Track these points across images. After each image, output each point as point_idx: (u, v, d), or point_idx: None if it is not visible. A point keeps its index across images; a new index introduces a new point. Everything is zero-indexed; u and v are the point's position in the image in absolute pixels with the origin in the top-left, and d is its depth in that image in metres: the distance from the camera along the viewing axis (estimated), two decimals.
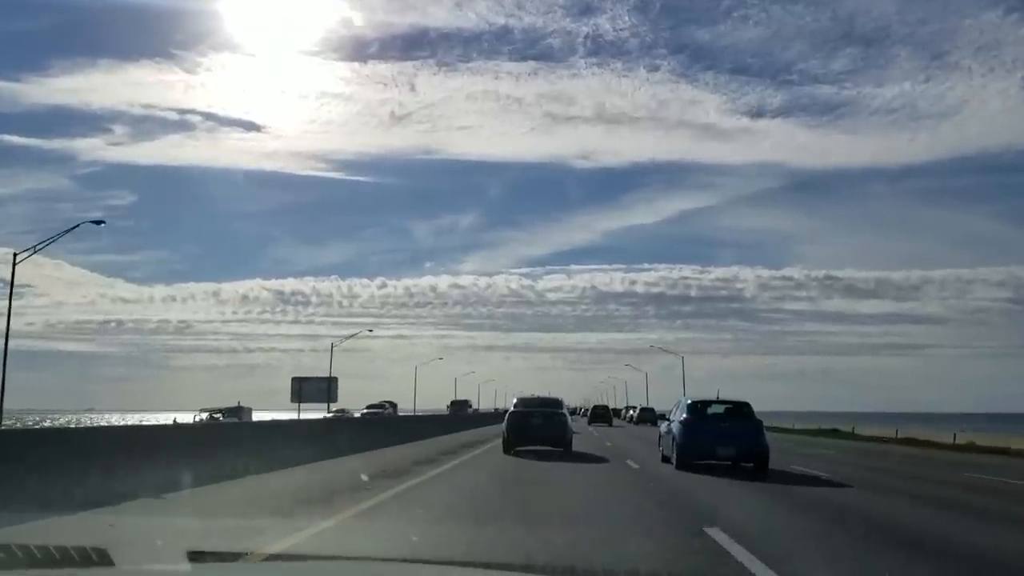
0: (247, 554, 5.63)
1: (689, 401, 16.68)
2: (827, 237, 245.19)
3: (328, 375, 58.30)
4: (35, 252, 30.57)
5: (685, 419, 15.98)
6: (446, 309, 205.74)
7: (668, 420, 17.93)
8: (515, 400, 21.70)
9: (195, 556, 3.86)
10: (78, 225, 31.88)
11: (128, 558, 4.28)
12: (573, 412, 28.52)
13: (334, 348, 58.31)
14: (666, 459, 17.24)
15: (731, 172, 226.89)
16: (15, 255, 29.82)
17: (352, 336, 60.97)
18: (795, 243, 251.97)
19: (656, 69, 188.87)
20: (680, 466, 15.39)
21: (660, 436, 18.53)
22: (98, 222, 33.20)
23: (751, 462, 15.45)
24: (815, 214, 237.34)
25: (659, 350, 66.00)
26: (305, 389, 54.68)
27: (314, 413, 46.46)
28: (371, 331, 59.17)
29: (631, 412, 74.15)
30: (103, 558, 3.38)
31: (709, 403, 17.07)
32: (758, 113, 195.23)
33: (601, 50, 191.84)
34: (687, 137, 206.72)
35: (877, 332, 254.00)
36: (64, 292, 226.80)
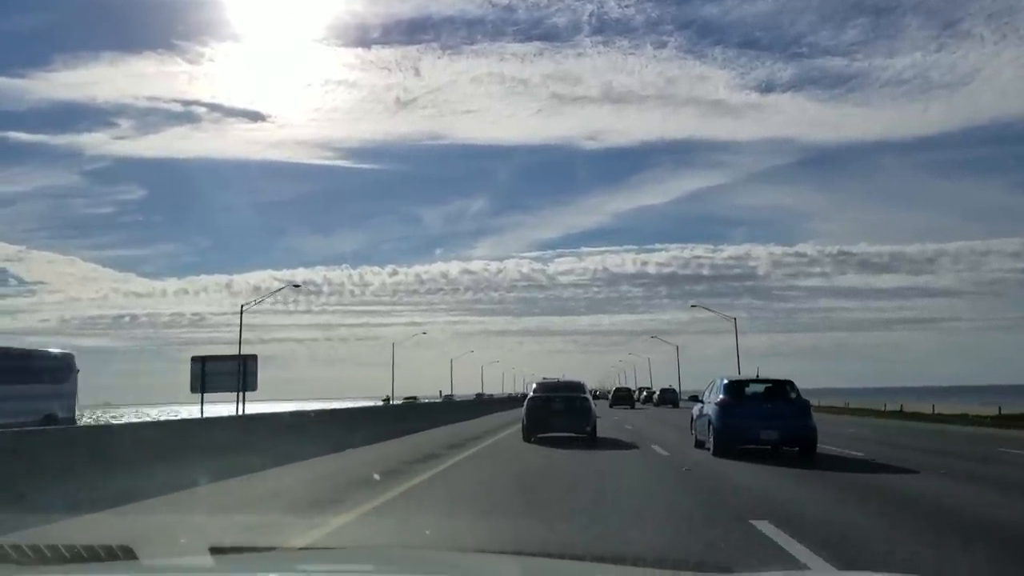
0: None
1: (726, 380, 15.29)
2: (840, 212, 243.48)
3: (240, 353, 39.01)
4: None
5: (722, 400, 14.71)
6: (458, 295, 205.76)
7: (701, 402, 16.62)
8: (534, 384, 20.54)
9: (217, 550, 3.84)
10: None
11: (152, 554, 4.40)
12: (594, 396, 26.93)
13: (244, 312, 44.49)
14: (700, 444, 16.09)
15: (741, 149, 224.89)
16: None
17: (277, 291, 48.24)
18: (808, 219, 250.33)
19: (663, 46, 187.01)
20: (718, 452, 14.23)
21: (693, 419, 17.21)
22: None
23: (797, 446, 14.34)
24: (827, 189, 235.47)
25: (704, 309, 59.58)
26: (210, 373, 35.56)
27: (222, 407, 35.20)
28: (298, 286, 47.19)
29: (645, 394, 72.37)
30: (128, 555, 3.46)
31: (748, 382, 15.71)
32: (768, 88, 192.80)
33: (606, 28, 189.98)
34: (696, 114, 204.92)
35: (892, 307, 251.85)
36: (78, 288, 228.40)
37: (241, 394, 36.49)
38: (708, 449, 15.01)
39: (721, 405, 14.78)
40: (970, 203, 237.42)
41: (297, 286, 48.47)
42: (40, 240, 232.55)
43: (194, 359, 34.48)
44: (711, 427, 14.88)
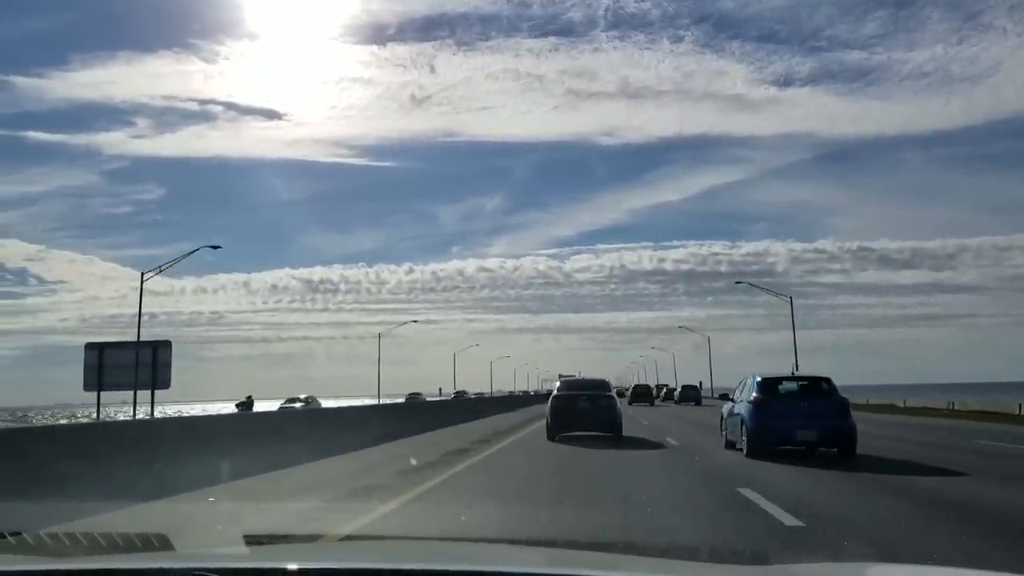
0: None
1: (759, 377, 14.71)
2: (860, 207, 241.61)
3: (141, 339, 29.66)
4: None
5: (755, 398, 14.18)
6: (474, 293, 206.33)
7: (732, 400, 15.98)
8: (558, 383, 20.06)
9: (252, 539, 3.99)
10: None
11: (188, 543, 4.50)
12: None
13: (146, 280, 34.72)
14: (731, 444, 15.64)
15: (760, 144, 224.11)
16: None
17: (191, 253, 36.58)
18: (827, 215, 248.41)
19: (680, 40, 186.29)
20: (751, 453, 13.72)
21: (723, 418, 16.66)
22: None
23: (835, 447, 13.81)
24: (847, 184, 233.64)
25: (751, 286, 55.05)
26: (110, 365, 25.75)
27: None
28: (216, 247, 37.41)
29: (665, 391, 71.35)
30: (164, 543, 3.45)
31: (782, 379, 15.07)
32: (786, 82, 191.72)
33: (622, 22, 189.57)
34: (713, 110, 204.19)
35: (913, 303, 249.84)
36: (97, 287, 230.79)
37: (139, 392, 27.61)
38: (740, 450, 14.47)
39: (755, 403, 14.27)
40: (992, 198, 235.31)
41: (216, 247, 37.42)
42: (60, 240, 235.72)
43: (89, 347, 26.24)
44: (744, 427, 14.38)
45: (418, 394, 73.96)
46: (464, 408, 35.05)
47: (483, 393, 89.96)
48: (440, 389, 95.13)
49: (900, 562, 5.23)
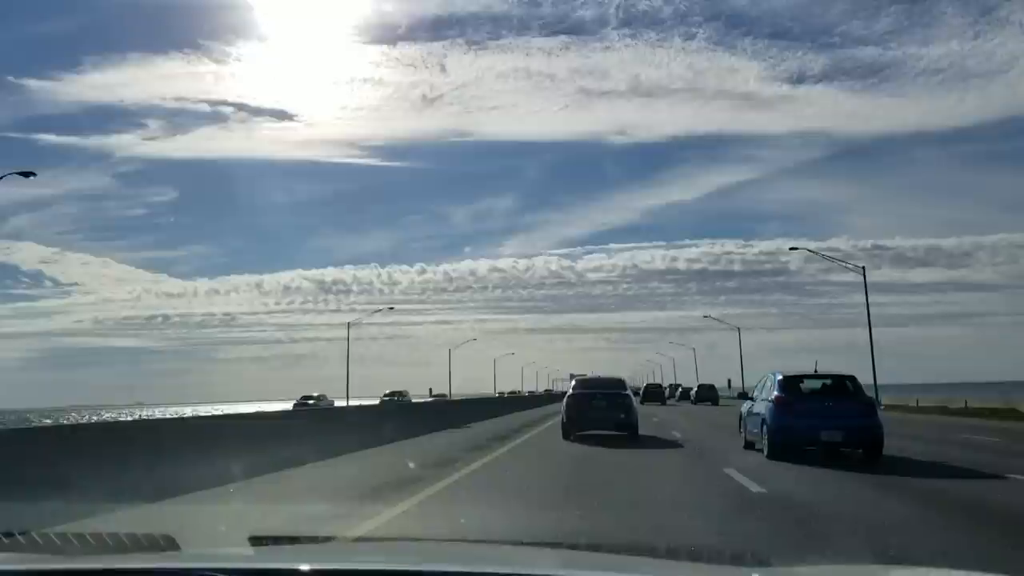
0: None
1: (780, 376, 14.38)
2: (874, 206, 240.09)
3: None
4: None
5: (777, 397, 13.95)
6: (486, 293, 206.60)
7: (751, 399, 15.70)
8: (574, 381, 20.07)
9: (257, 540, 3.84)
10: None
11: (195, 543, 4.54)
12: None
13: None
14: (750, 445, 15.48)
15: (773, 143, 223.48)
16: None
17: None
18: (841, 213, 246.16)
19: (692, 37, 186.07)
20: (773, 455, 13.53)
21: (742, 418, 16.41)
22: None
23: (861, 447, 13.60)
24: (861, 182, 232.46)
25: (807, 251, 50.78)
26: None
27: None
28: (28, 175, 31.28)
29: (680, 390, 71.05)
30: (170, 544, 3.44)
31: (804, 378, 14.73)
32: (799, 79, 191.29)
33: (634, 20, 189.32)
34: (726, 108, 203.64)
35: (928, 301, 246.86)
36: (111, 289, 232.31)
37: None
38: (760, 451, 14.23)
39: (776, 402, 14.00)
40: (1008, 195, 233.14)
41: (30, 175, 30.96)
42: (74, 242, 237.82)
43: None
44: (765, 426, 14.15)
45: (316, 398, 57.32)
46: (366, 424, 18.79)
47: (444, 395, 73.97)
48: (430, 389, 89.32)
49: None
